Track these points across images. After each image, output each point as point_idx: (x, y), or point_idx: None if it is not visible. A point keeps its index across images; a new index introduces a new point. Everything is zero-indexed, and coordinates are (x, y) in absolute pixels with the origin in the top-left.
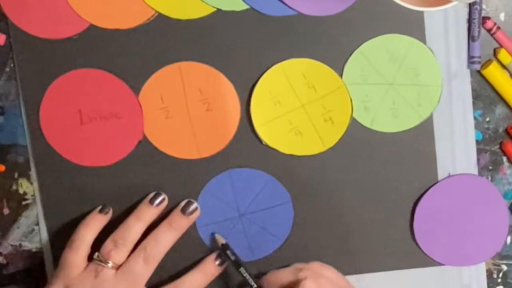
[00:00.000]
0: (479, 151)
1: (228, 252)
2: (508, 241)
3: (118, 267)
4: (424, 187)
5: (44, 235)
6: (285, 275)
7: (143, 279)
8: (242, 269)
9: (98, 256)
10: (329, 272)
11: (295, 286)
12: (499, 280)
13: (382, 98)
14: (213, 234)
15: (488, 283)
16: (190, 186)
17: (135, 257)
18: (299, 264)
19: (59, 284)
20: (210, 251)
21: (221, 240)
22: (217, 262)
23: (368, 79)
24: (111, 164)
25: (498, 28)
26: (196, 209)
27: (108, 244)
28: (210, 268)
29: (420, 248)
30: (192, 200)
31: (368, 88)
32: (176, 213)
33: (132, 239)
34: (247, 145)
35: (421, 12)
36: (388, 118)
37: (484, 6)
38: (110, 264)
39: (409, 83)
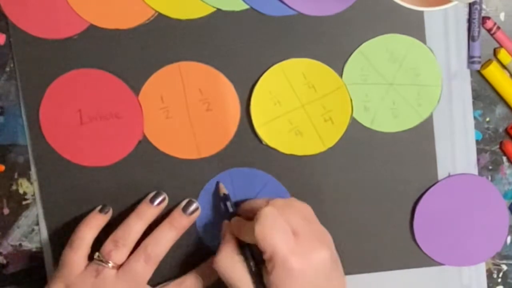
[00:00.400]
0: (479, 151)
1: (228, 203)
2: (508, 241)
3: (118, 267)
4: (424, 187)
5: (44, 235)
6: (258, 202)
7: (144, 279)
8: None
9: (98, 256)
10: (299, 204)
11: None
12: (499, 280)
13: (382, 98)
14: (218, 182)
15: (488, 283)
16: (190, 186)
17: (135, 257)
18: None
19: (59, 283)
20: (210, 251)
21: (223, 190)
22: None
23: (368, 79)
24: (111, 164)
25: (498, 28)
26: (197, 208)
27: (108, 244)
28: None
29: (420, 248)
30: (193, 200)
31: (368, 88)
32: (177, 213)
33: (133, 239)
34: (247, 145)
35: (421, 12)
36: (388, 118)
37: (484, 6)
38: (110, 264)
39: (409, 83)
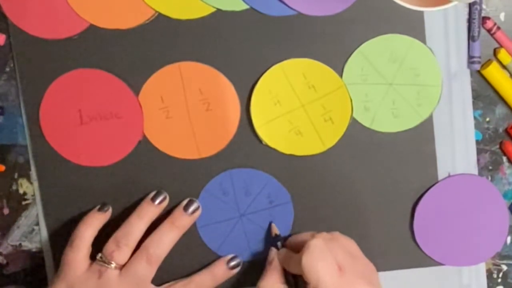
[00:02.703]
0: (479, 151)
1: (279, 243)
2: (508, 241)
3: (121, 267)
4: (424, 187)
5: (44, 235)
6: (303, 236)
7: (147, 278)
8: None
9: (101, 257)
10: (344, 239)
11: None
12: (499, 280)
13: (382, 98)
14: (271, 222)
15: (488, 283)
16: (190, 186)
17: (138, 258)
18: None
19: (61, 284)
20: (210, 251)
21: (275, 231)
22: (229, 265)
23: (368, 79)
24: (111, 164)
25: (498, 28)
26: (198, 208)
27: (110, 245)
28: (220, 270)
29: (420, 248)
30: (194, 199)
31: (368, 88)
32: (178, 212)
33: (134, 238)
34: (247, 145)
35: (421, 12)
36: (388, 118)
37: (484, 6)
38: (113, 265)
39: (409, 83)
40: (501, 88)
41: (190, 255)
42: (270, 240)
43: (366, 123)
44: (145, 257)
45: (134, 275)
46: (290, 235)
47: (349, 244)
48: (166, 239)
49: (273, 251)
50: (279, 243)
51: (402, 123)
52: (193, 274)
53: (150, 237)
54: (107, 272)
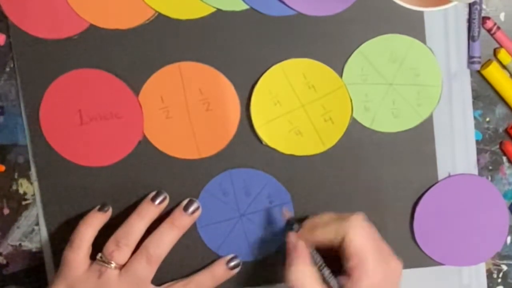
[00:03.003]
0: (479, 151)
1: (295, 225)
2: (508, 241)
3: (121, 267)
4: (424, 187)
5: (44, 235)
6: (325, 217)
7: (147, 278)
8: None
9: (101, 256)
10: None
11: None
12: (499, 280)
13: (382, 98)
14: (284, 208)
15: (488, 283)
16: (190, 186)
17: (137, 258)
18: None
19: (61, 283)
20: (210, 251)
21: (289, 214)
22: (229, 266)
23: (368, 79)
24: (111, 164)
25: (498, 28)
26: (198, 208)
27: (110, 244)
28: (220, 270)
29: (420, 248)
30: (194, 199)
31: (368, 88)
32: (178, 212)
33: (134, 238)
34: (247, 145)
35: (421, 12)
36: (388, 118)
37: (484, 6)
38: (113, 265)
39: (409, 83)
40: (501, 88)
41: (190, 255)
42: (285, 226)
43: (366, 123)
44: (145, 256)
45: (134, 275)
46: (305, 218)
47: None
48: (166, 239)
49: (293, 235)
50: (296, 225)
51: (402, 123)
52: (193, 274)
53: (150, 237)
54: (107, 272)
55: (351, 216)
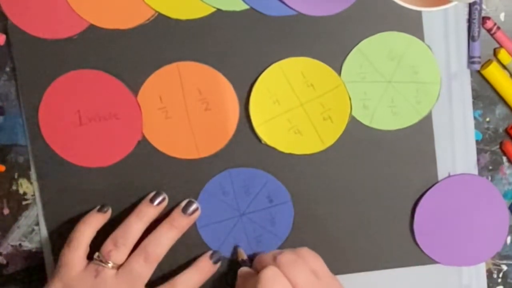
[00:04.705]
0: (479, 151)
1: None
2: (508, 241)
3: (118, 267)
4: (424, 187)
5: (44, 235)
6: (265, 258)
7: (144, 279)
8: None
9: (98, 256)
10: (309, 257)
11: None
12: (499, 280)
13: (381, 96)
14: (237, 247)
15: (488, 283)
16: (190, 186)
17: (135, 257)
18: (289, 249)
19: (58, 283)
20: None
21: (243, 255)
22: (213, 260)
23: (367, 77)
24: (111, 165)
25: (498, 28)
26: (197, 209)
27: (108, 244)
28: (205, 266)
29: (420, 248)
30: (193, 200)
31: (366, 86)
32: (177, 213)
33: (132, 238)
34: (246, 145)
35: (419, 12)
36: (387, 116)
37: (484, 6)
38: (110, 264)
39: (407, 80)
40: (501, 88)
41: (190, 255)
42: (237, 265)
43: (365, 121)
44: (143, 256)
45: (130, 274)
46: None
47: (315, 263)
48: (165, 239)
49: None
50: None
51: (401, 120)
52: None
53: (149, 237)
54: (104, 271)
55: (260, 275)
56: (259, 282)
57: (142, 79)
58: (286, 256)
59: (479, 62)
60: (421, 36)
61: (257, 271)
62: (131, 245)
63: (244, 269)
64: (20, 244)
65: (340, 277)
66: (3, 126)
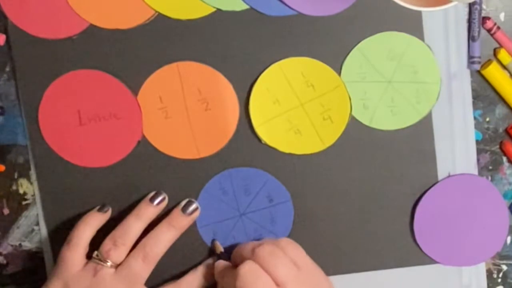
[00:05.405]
0: (479, 151)
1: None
2: (508, 241)
3: (117, 266)
4: (424, 187)
5: (44, 235)
6: (245, 250)
7: (142, 278)
8: None
9: (97, 255)
10: (289, 248)
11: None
12: (499, 280)
13: (380, 96)
14: (214, 240)
15: (488, 283)
16: (190, 186)
17: (134, 256)
18: (268, 239)
19: (57, 282)
20: (211, 252)
21: (220, 248)
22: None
23: (367, 77)
24: (111, 165)
25: (498, 28)
26: (196, 208)
27: (107, 243)
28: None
29: (420, 248)
30: (193, 200)
31: (366, 86)
32: (177, 212)
33: (132, 238)
34: (246, 144)
35: (419, 12)
36: (387, 116)
37: (484, 6)
38: (109, 263)
39: (407, 80)
40: (501, 88)
41: (190, 255)
42: (215, 258)
43: (365, 121)
44: (141, 254)
45: (129, 273)
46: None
47: (296, 253)
48: (164, 238)
49: (216, 269)
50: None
51: (401, 120)
52: None
53: (148, 236)
54: (102, 270)
55: (240, 267)
56: (238, 279)
57: (142, 79)
58: (265, 248)
59: (479, 62)
60: (421, 36)
61: (236, 264)
62: (130, 245)
63: (221, 263)
64: (20, 244)
65: (340, 277)
66: (3, 126)
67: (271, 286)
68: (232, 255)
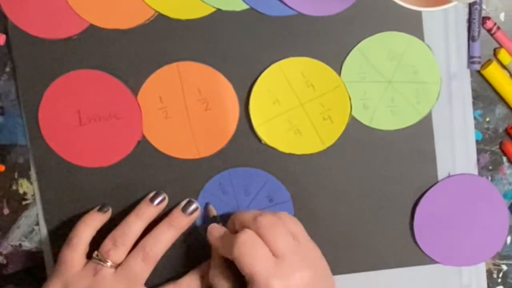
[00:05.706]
0: (479, 151)
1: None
2: (508, 241)
3: (117, 266)
4: (424, 187)
5: (44, 235)
6: (245, 217)
7: (142, 278)
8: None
9: (97, 255)
10: (288, 221)
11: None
12: (499, 280)
13: (380, 96)
14: (207, 203)
15: (488, 283)
16: (190, 186)
17: (134, 256)
18: (268, 212)
19: (57, 281)
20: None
21: (213, 212)
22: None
23: (367, 77)
24: (111, 165)
25: (498, 28)
26: (196, 208)
27: (107, 243)
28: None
29: (420, 248)
30: (193, 200)
31: (366, 86)
32: (177, 212)
33: (131, 238)
34: (246, 144)
35: (419, 12)
36: (387, 116)
37: (484, 6)
38: (109, 263)
39: (407, 80)
40: (501, 88)
41: (190, 255)
42: (209, 222)
43: (365, 121)
44: (141, 254)
45: (129, 272)
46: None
47: (295, 227)
48: (163, 238)
49: (215, 228)
50: (218, 219)
51: (401, 120)
52: None
53: (148, 236)
54: (102, 270)
55: (237, 236)
56: (236, 246)
57: (142, 79)
58: (267, 218)
59: (479, 62)
60: (421, 36)
61: (234, 229)
62: (130, 245)
63: (214, 226)
64: (20, 244)
65: (340, 277)
66: (3, 126)
67: (269, 257)
68: (230, 220)
